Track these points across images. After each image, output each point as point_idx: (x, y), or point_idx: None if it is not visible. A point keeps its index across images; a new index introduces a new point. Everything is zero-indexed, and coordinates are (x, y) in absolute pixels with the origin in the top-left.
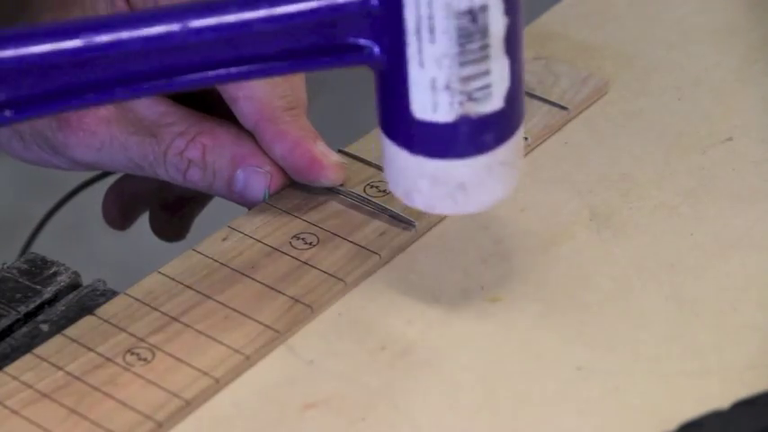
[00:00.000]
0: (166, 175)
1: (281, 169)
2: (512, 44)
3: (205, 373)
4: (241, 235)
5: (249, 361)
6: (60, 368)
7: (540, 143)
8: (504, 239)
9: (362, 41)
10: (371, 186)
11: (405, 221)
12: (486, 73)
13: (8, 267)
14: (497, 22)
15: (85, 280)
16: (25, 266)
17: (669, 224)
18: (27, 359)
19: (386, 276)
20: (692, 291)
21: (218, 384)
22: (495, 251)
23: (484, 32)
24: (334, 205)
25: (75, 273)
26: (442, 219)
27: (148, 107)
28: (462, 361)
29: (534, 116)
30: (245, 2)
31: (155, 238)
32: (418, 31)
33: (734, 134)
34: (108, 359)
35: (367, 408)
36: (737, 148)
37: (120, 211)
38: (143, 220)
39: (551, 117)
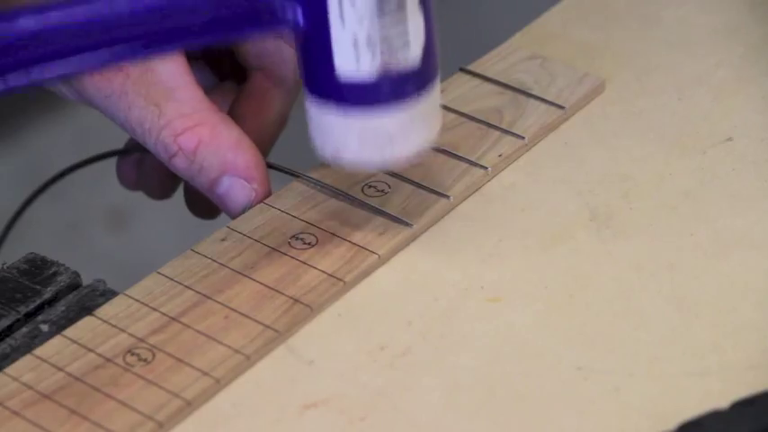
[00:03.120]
0: (154, 150)
1: (268, 189)
2: (424, 1)
3: (205, 374)
4: (240, 235)
5: (249, 361)
6: (61, 369)
7: (539, 143)
8: (504, 239)
9: (285, 6)
10: (369, 186)
11: (401, 222)
12: (404, 28)
13: (8, 267)
14: None
15: (85, 280)
16: (25, 266)
17: (669, 224)
18: (27, 360)
19: (386, 276)
20: (692, 291)
21: (219, 384)
22: (495, 251)
23: None
24: (332, 205)
25: (75, 273)
26: (441, 218)
27: (170, 73)
28: (462, 361)
29: (531, 115)
30: None
31: (155, 238)
32: None
33: (734, 134)
34: (108, 360)
35: (367, 408)
36: (737, 148)
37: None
38: (143, 221)
39: (548, 116)
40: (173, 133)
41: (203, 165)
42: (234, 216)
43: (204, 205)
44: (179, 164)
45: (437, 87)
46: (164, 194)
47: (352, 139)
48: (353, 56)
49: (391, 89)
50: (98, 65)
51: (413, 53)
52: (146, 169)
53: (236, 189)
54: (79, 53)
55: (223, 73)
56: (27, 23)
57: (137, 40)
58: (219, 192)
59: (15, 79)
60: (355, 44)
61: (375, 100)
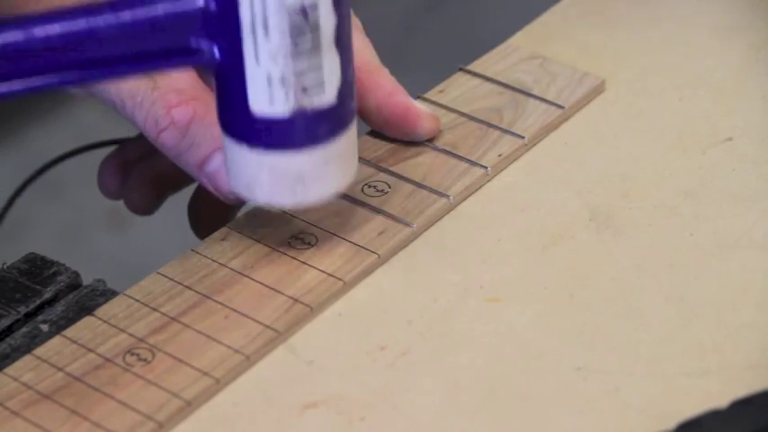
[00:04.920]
0: (142, 125)
1: None
2: (341, 40)
3: (205, 374)
4: (240, 235)
5: (249, 361)
6: (60, 369)
7: (539, 142)
8: (504, 239)
9: (202, 43)
10: (369, 186)
11: (401, 222)
12: (319, 67)
13: (8, 267)
14: (327, 19)
15: (85, 280)
16: (25, 266)
17: (669, 224)
18: (27, 360)
19: (385, 276)
20: (692, 291)
21: (219, 384)
22: (494, 251)
23: (315, 28)
24: (332, 205)
25: (76, 273)
26: (440, 218)
27: None
28: (462, 361)
29: (531, 115)
30: (90, 9)
31: (155, 239)
32: (253, 29)
33: (734, 134)
34: (108, 360)
35: (367, 408)
36: (737, 148)
37: (120, 181)
38: (143, 221)
39: (548, 116)
40: (166, 105)
41: (195, 140)
42: (224, 195)
43: (210, 225)
44: (168, 139)
45: (353, 130)
46: (146, 210)
47: (263, 177)
48: (267, 94)
49: (305, 129)
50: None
51: (328, 94)
52: (130, 182)
53: None
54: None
55: None
56: None
57: (49, 69)
58: (210, 169)
59: None
60: (269, 82)
61: (288, 140)
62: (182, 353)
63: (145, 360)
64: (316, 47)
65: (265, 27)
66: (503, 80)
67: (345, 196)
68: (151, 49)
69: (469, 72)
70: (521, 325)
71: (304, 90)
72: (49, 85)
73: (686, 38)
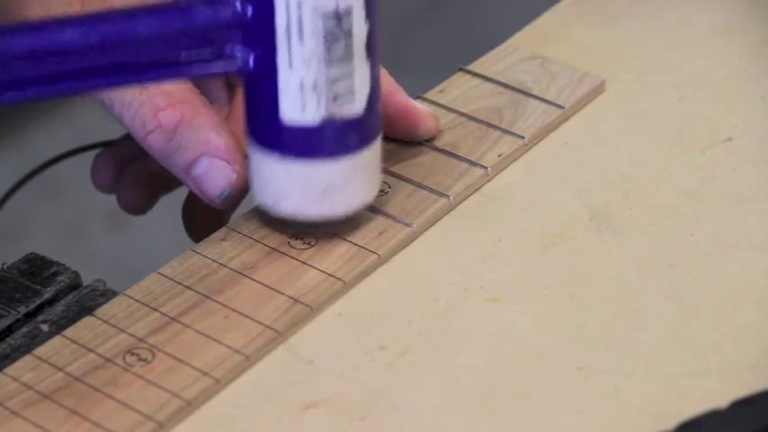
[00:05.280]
0: (130, 125)
1: (246, 176)
2: (371, 50)
3: (205, 374)
4: (240, 235)
5: (249, 361)
6: (60, 369)
7: (539, 143)
8: (504, 239)
9: (237, 50)
10: None
11: (401, 222)
12: (350, 75)
13: (8, 267)
14: (360, 26)
15: (85, 280)
16: (25, 266)
17: (669, 224)
18: (27, 360)
19: (385, 276)
20: (692, 291)
21: (219, 384)
22: (494, 251)
23: (348, 35)
24: None
25: (76, 273)
26: (440, 218)
27: None
28: (462, 361)
29: (531, 115)
30: (127, 13)
31: (155, 239)
32: (288, 34)
33: (734, 134)
34: (108, 360)
35: (367, 408)
36: (737, 148)
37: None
38: (143, 221)
39: (548, 116)
40: (154, 108)
41: (182, 143)
42: (211, 200)
43: (204, 228)
44: (155, 141)
45: (379, 143)
46: (139, 209)
47: (291, 188)
48: (299, 100)
49: (334, 138)
50: (37, 95)
51: (357, 103)
52: (123, 182)
53: (216, 170)
54: (21, 82)
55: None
56: None
57: (84, 72)
58: (197, 173)
59: None
60: (301, 88)
61: (317, 149)
62: (182, 353)
63: (145, 360)
64: (348, 54)
65: (300, 32)
66: (503, 80)
67: None
68: (186, 56)
69: (469, 72)
70: (521, 325)
71: (335, 98)
72: (79, 89)
73: (686, 38)
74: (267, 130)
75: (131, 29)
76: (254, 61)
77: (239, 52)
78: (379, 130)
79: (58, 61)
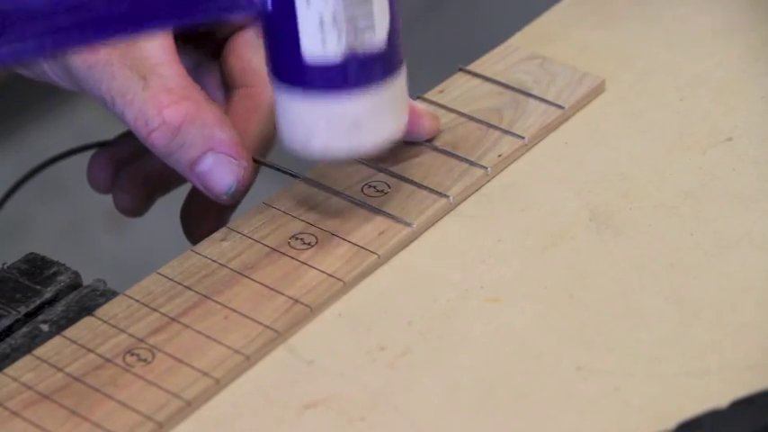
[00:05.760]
0: (132, 123)
1: (254, 169)
2: None
3: (205, 374)
4: (240, 235)
5: (249, 361)
6: (60, 369)
7: (539, 143)
8: (504, 239)
9: None
10: (369, 186)
11: (401, 222)
12: (369, 8)
13: (8, 267)
14: None
15: (85, 280)
16: (25, 266)
17: (669, 224)
18: (27, 360)
19: (385, 276)
20: (692, 291)
21: (219, 385)
22: (494, 251)
23: None
24: (332, 205)
25: (76, 273)
26: (440, 218)
27: (156, 49)
28: (462, 361)
29: (531, 116)
30: None
31: (155, 239)
32: None
33: (734, 134)
34: (108, 360)
35: (367, 408)
36: (737, 148)
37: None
38: (143, 221)
39: (548, 116)
40: (157, 105)
41: (186, 140)
42: (217, 196)
43: (203, 232)
44: (158, 139)
45: (403, 77)
46: (136, 212)
47: (319, 125)
48: (320, 37)
49: (358, 72)
50: (58, 46)
51: (378, 35)
52: (119, 184)
53: (223, 166)
54: (48, 33)
55: (205, 54)
56: None
57: (102, 21)
58: (202, 170)
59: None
60: (321, 24)
61: (342, 83)
62: (182, 353)
63: (145, 360)
64: None
65: None
66: (503, 80)
67: (345, 196)
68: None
69: (469, 72)
70: (521, 325)
71: (356, 31)
72: (98, 39)
73: (686, 38)
74: (290, 69)
75: None
76: (272, 1)
77: None
78: (402, 62)
79: (76, 12)
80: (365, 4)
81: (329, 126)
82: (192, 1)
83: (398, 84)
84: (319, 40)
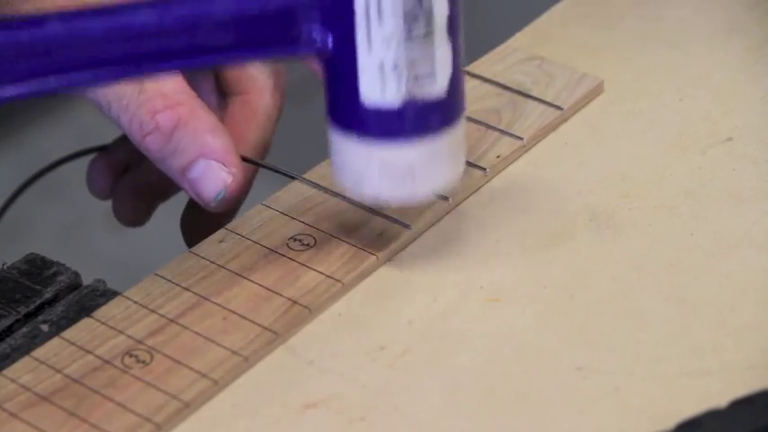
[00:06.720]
0: (127, 127)
1: (245, 176)
2: (453, 31)
3: (204, 375)
4: (238, 237)
5: (248, 362)
6: (59, 371)
7: (538, 143)
8: (503, 239)
9: (315, 31)
10: None
11: (400, 223)
12: (431, 56)
13: (8, 267)
14: (441, 6)
15: (85, 280)
16: (25, 267)
17: (669, 224)
18: (25, 362)
19: (385, 276)
20: (692, 291)
21: (217, 386)
22: (494, 251)
23: (429, 16)
24: (330, 206)
25: (76, 273)
26: (440, 218)
27: None
28: (462, 361)
29: (530, 117)
30: None
31: (155, 239)
32: (367, 14)
33: (734, 134)
34: (106, 361)
35: (367, 408)
36: (737, 148)
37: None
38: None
39: (546, 117)
40: (152, 110)
41: (179, 146)
42: (206, 202)
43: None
44: (152, 144)
45: (462, 125)
46: (136, 222)
47: (372, 170)
48: (379, 81)
49: (415, 120)
50: (117, 77)
51: (439, 83)
52: (119, 194)
53: (213, 172)
54: (101, 64)
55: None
56: (55, 28)
57: (161, 54)
58: (193, 176)
59: (35, 85)
60: (381, 69)
61: (398, 131)
62: (180, 354)
63: (143, 362)
64: (428, 34)
65: (379, 12)
66: (501, 81)
67: (344, 197)
68: (263, 38)
69: (468, 73)
70: (521, 325)
71: (415, 79)
72: (153, 71)
73: (686, 38)
74: (347, 112)
75: (207, 11)
76: (333, 43)
77: (318, 34)
78: (462, 112)
79: (130, 44)
80: (427, 51)
81: (382, 172)
82: (252, 38)
83: (457, 133)
84: (378, 85)
